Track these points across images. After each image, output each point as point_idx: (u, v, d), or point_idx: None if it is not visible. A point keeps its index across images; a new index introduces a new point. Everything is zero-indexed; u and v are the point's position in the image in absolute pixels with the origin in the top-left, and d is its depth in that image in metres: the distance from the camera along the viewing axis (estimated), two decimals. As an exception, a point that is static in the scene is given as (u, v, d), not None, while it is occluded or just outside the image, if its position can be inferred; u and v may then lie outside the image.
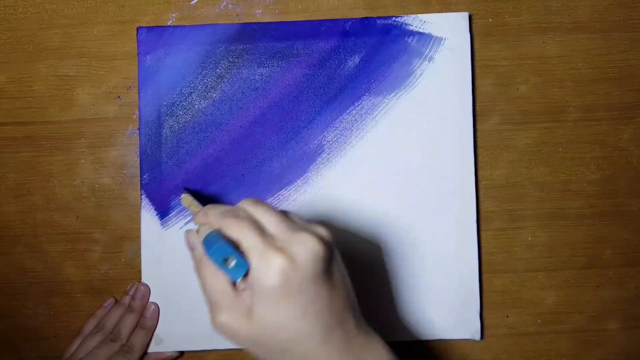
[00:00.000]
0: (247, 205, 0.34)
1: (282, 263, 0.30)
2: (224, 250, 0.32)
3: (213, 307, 0.33)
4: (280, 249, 0.31)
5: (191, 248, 0.36)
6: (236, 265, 0.31)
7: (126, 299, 0.47)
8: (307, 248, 0.31)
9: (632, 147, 0.50)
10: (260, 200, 0.35)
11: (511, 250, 0.49)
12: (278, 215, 0.33)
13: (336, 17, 0.49)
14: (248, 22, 0.49)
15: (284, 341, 0.31)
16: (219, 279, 0.32)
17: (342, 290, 0.33)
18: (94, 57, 0.49)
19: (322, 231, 0.32)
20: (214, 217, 0.34)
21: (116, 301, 0.48)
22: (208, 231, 0.34)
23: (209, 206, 0.36)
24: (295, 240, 0.31)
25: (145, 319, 0.46)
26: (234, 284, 0.33)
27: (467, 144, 0.48)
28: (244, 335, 0.32)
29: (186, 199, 0.43)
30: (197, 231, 0.36)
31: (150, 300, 0.47)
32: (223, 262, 0.32)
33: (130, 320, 0.45)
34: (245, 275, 0.32)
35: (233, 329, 0.32)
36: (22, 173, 0.49)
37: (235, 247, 0.32)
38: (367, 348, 0.33)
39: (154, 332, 0.46)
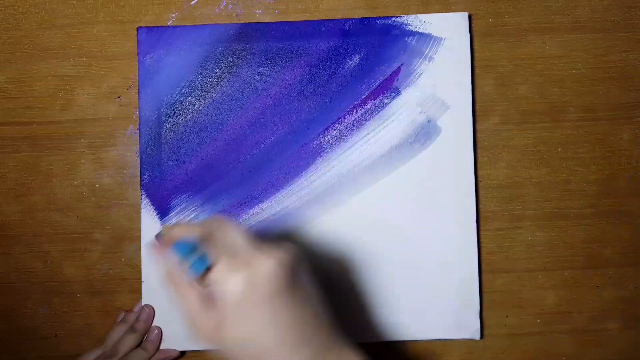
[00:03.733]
0: (214, 222, 0.36)
1: (245, 274, 0.32)
2: (187, 245, 0.34)
3: (187, 319, 0.34)
4: (245, 263, 0.32)
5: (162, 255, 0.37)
6: (198, 259, 0.33)
7: (131, 316, 0.47)
8: (269, 264, 0.32)
9: (632, 147, 0.50)
10: (227, 218, 0.37)
11: (511, 250, 0.49)
12: (243, 232, 0.35)
13: (336, 17, 0.49)
14: (248, 22, 0.49)
15: (253, 354, 0.33)
16: (190, 291, 0.34)
17: (310, 307, 0.34)
18: (94, 57, 0.49)
19: (285, 250, 0.34)
20: (185, 232, 0.36)
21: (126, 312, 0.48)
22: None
23: (179, 223, 0.38)
24: (258, 257, 0.33)
25: (148, 342, 0.46)
26: (206, 300, 0.34)
27: (466, 144, 0.48)
28: (219, 347, 0.33)
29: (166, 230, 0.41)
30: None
31: (150, 305, 0.47)
32: (186, 256, 0.33)
33: (129, 341, 0.45)
34: (207, 270, 0.33)
35: (208, 342, 0.33)
36: (22, 173, 0.49)
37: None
38: None
39: (153, 355, 0.46)
